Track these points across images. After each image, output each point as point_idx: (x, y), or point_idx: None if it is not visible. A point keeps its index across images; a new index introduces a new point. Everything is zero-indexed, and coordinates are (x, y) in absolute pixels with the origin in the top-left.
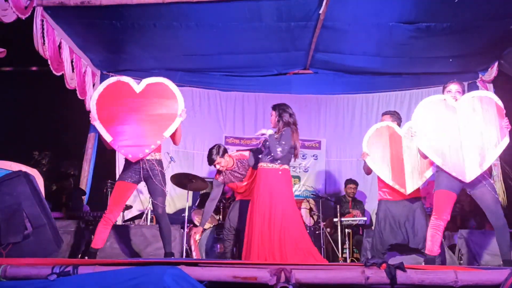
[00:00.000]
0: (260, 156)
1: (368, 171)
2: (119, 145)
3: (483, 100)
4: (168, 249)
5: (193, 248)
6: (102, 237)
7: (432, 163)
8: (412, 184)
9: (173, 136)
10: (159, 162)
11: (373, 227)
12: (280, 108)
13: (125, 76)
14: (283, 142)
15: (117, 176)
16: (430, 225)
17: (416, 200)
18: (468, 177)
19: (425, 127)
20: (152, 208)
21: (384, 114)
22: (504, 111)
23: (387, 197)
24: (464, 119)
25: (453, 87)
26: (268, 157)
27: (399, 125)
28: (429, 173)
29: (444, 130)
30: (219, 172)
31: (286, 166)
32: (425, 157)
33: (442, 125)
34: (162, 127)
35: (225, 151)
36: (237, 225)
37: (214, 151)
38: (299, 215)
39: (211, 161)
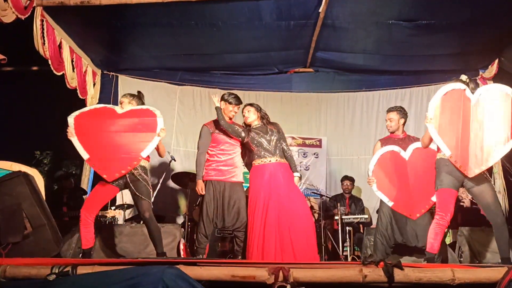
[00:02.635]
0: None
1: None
2: (95, 164)
3: (500, 96)
4: (159, 250)
5: (181, 247)
6: (88, 237)
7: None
8: (419, 209)
9: (156, 149)
10: (144, 169)
11: (374, 225)
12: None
13: (113, 106)
14: None
15: None
16: (433, 223)
17: None
18: (472, 172)
19: (440, 115)
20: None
21: (389, 110)
22: None
23: None
24: (477, 112)
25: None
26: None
27: (405, 121)
28: (435, 198)
29: (458, 122)
30: (212, 124)
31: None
32: (430, 142)
33: (457, 116)
34: (140, 147)
35: None
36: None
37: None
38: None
39: (239, 101)
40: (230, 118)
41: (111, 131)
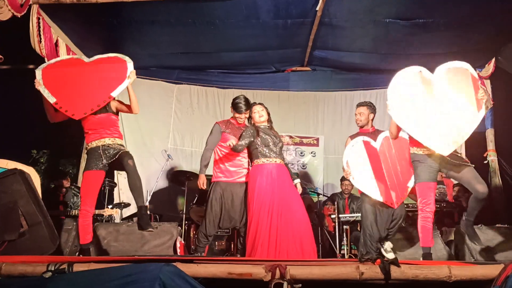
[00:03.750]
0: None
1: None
2: (63, 105)
3: (459, 71)
4: (140, 203)
5: (178, 245)
6: (87, 231)
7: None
8: (397, 197)
9: (128, 106)
10: (122, 146)
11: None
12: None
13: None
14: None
15: (115, 175)
16: (419, 218)
17: None
18: (446, 151)
19: (401, 100)
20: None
21: (359, 105)
22: (479, 81)
23: None
24: (440, 91)
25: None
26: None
27: (374, 116)
28: (411, 183)
29: (421, 103)
30: (225, 123)
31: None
32: (397, 132)
33: (419, 98)
34: (110, 87)
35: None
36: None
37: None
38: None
39: (247, 107)
40: (240, 124)
41: (79, 75)
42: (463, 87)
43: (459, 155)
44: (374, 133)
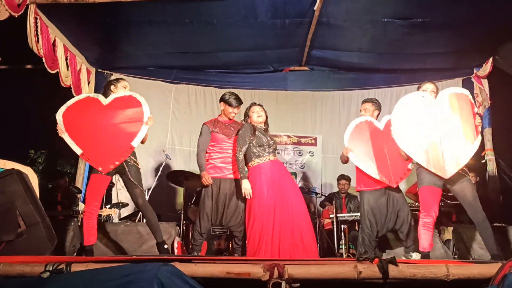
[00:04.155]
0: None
1: (345, 160)
2: (90, 158)
3: (459, 97)
4: (159, 239)
5: (175, 245)
6: (91, 233)
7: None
8: (397, 177)
9: None
10: (133, 154)
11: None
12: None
13: (95, 93)
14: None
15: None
16: (420, 223)
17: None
18: (448, 174)
19: (405, 125)
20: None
21: (364, 101)
22: (476, 108)
23: (367, 188)
24: (442, 116)
25: (429, 86)
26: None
27: (379, 113)
28: (412, 165)
29: (424, 127)
30: (212, 122)
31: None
32: (407, 157)
33: (422, 122)
34: (130, 137)
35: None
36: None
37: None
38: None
39: (240, 102)
40: (230, 119)
41: (100, 123)
42: (464, 112)
43: (463, 172)
44: None
